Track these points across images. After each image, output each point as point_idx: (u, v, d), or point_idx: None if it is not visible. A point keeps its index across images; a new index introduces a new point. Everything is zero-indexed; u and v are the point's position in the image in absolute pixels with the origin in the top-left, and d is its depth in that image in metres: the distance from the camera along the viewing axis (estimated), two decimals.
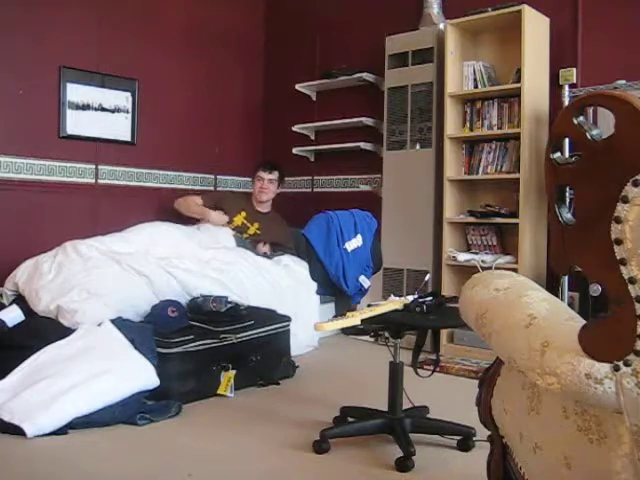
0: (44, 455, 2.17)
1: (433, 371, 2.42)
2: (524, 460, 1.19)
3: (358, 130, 4.79)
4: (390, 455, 2.18)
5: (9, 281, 3.32)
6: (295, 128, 5.16)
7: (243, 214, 4.46)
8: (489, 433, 1.37)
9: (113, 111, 4.48)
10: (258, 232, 4.44)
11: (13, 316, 3.05)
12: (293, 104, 5.26)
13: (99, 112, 4.40)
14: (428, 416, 2.51)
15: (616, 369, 0.92)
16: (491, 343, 1.19)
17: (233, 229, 4.36)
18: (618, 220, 0.90)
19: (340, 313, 2.25)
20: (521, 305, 1.13)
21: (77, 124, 4.28)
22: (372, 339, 3.19)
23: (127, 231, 3.74)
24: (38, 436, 2.29)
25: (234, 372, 2.94)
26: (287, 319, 3.37)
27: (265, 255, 4.10)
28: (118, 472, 2.07)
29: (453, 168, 4.03)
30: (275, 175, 4.57)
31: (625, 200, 0.89)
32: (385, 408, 2.35)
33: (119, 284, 3.13)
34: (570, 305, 3.47)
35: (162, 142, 4.79)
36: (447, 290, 3.85)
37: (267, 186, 4.53)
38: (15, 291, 3.30)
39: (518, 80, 3.72)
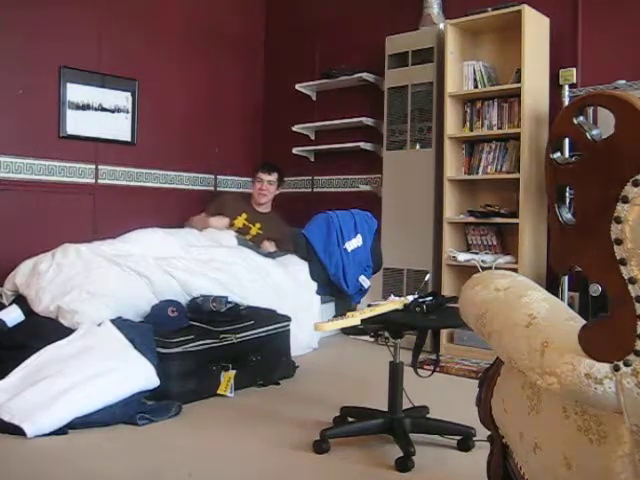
0: (44, 455, 2.17)
1: (433, 371, 2.42)
2: (524, 460, 1.19)
3: (358, 130, 4.79)
4: (390, 455, 2.18)
5: (9, 281, 3.32)
6: (295, 128, 5.16)
7: (244, 216, 4.48)
8: (489, 433, 1.37)
9: (113, 111, 4.48)
10: (260, 232, 4.46)
11: (13, 316, 3.05)
12: (293, 104, 5.26)
13: (99, 112, 4.40)
14: (428, 416, 2.51)
15: (616, 369, 0.92)
16: (491, 343, 1.19)
17: (236, 231, 4.37)
18: (618, 220, 0.90)
19: (340, 313, 2.25)
20: (521, 305, 1.13)
21: (77, 124, 4.28)
22: (372, 339, 3.19)
23: (123, 237, 3.73)
24: (38, 436, 2.29)
25: (234, 372, 2.95)
26: (287, 319, 3.37)
27: (269, 255, 4.09)
28: (118, 472, 2.07)
29: (453, 168, 4.03)
30: (274, 176, 4.61)
31: (625, 200, 0.89)
32: (385, 408, 2.35)
33: (119, 285, 3.13)
34: (570, 305, 3.47)
35: (162, 142, 4.79)
36: (447, 290, 3.85)
37: (266, 187, 4.58)
38: (15, 291, 3.30)
39: (518, 80, 3.72)
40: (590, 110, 3.16)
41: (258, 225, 4.47)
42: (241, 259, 3.78)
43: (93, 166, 4.40)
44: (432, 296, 2.37)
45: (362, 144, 4.69)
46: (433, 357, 2.63)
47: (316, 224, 2.44)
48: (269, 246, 4.36)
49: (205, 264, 3.53)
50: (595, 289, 3.21)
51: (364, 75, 4.65)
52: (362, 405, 2.53)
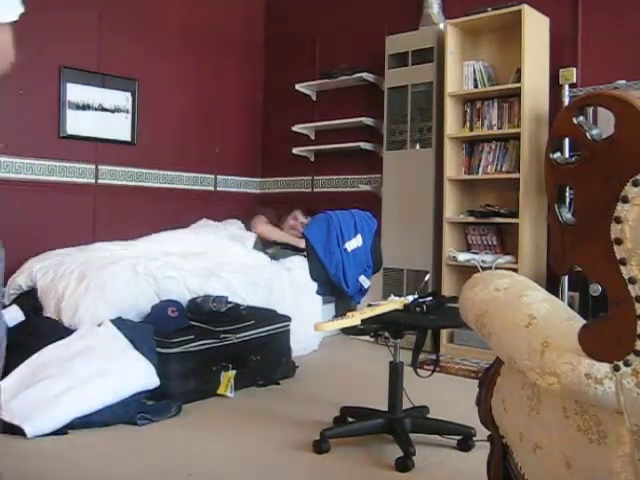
0: (44, 455, 2.17)
1: (433, 371, 2.42)
2: (524, 460, 1.19)
3: (358, 130, 4.79)
4: (390, 455, 2.18)
5: (12, 281, 3.32)
6: (295, 128, 5.15)
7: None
8: (489, 433, 1.37)
9: (113, 111, 4.48)
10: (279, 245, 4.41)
11: (13, 316, 3.05)
12: (293, 104, 5.26)
13: (99, 112, 4.40)
14: (428, 416, 2.51)
15: (616, 369, 0.92)
16: (491, 343, 1.19)
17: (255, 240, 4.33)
18: (618, 220, 0.90)
19: (340, 313, 2.25)
20: (521, 305, 1.13)
21: (77, 124, 4.28)
22: (372, 339, 3.19)
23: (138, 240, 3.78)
24: (38, 436, 2.29)
25: (234, 372, 2.95)
26: (287, 319, 3.37)
27: (272, 256, 4.07)
28: (118, 472, 2.07)
29: (453, 168, 4.03)
30: (309, 220, 4.58)
31: (625, 200, 0.89)
32: (385, 408, 2.35)
33: (124, 283, 3.11)
34: (570, 305, 3.47)
35: (162, 142, 4.79)
36: (447, 290, 3.85)
37: (299, 227, 4.48)
38: (17, 290, 3.30)
39: (518, 80, 3.72)
40: (590, 110, 3.16)
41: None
42: (243, 260, 3.78)
43: (93, 166, 4.40)
44: (432, 296, 2.37)
45: (362, 144, 4.69)
46: (433, 357, 2.63)
47: (316, 224, 2.44)
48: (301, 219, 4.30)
49: (207, 264, 3.53)
50: (595, 289, 3.21)
51: (364, 75, 4.65)
52: (362, 405, 2.53)
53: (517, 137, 3.73)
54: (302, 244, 4.29)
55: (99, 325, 2.83)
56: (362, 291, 2.51)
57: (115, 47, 4.48)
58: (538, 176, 3.71)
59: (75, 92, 4.27)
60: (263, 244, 4.23)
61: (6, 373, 2.55)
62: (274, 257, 4.07)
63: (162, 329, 2.87)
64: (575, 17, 3.85)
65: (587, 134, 0.97)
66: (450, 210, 3.99)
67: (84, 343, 2.72)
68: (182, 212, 4.68)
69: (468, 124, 4.02)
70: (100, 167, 4.43)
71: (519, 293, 1.19)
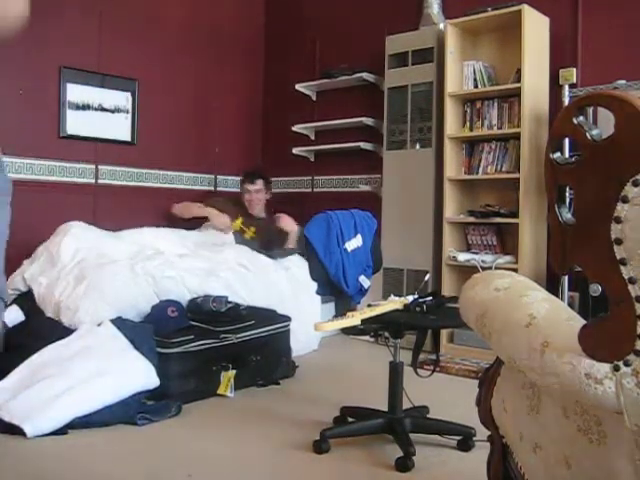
0: (44, 455, 2.17)
1: (433, 371, 2.42)
2: (524, 460, 1.19)
3: (358, 130, 4.79)
4: (390, 455, 2.18)
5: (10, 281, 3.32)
6: (295, 128, 5.15)
7: (240, 219, 4.44)
8: (489, 433, 1.37)
9: (113, 111, 4.48)
10: (254, 236, 4.42)
11: (13, 316, 3.05)
12: (293, 104, 5.26)
13: (99, 112, 4.40)
14: (428, 416, 2.51)
15: (616, 369, 0.92)
16: (491, 343, 1.19)
17: (232, 233, 4.36)
18: (618, 220, 0.90)
19: (340, 313, 2.25)
20: (521, 305, 1.13)
21: (77, 124, 4.28)
22: (372, 339, 3.19)
23: (127, 232, 3.75)
24: (38, 436, 2.29)
25: (234, 372, 2.95)
26: (287, 319, 3.37)
27: (269, 255, 4.07)
28: (118, 472, 2.07)
29: (453, 168, 4.03)
30: (260, 184, 4.58)
31: (625, 200, 0.89)
32: (385, 408, 2.35)
33: (123, 282, 3.11)
34: (570, 305, 3.47)
35: (162, 142, 4.79)
36: (447, 290, 3.85)
37: (254, 197, 4.56)
38: (16, 290, 3.29)
39: (518, 80, 3.72)
40: (590, 110, 3.16)
41: (253, 229, 4.45)
42: (243, 260, 3.78)
43: (93, 166, 4.40)
44: (432, 296, 2.37)
45: (362, 144, 4.69)
46: (433, 357, 2.63)
47: (316, 224, 2.44)
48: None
49: (208, 264, 3.53)
50: (595, 289, 3.19)
51: (364, 75, 4.65)
52: (362, 405, 2.53)
53: (517, 137, 3.73)
54: (218, 219, 4.34)
55: (99, 325, 2.83)
56: (362, 291, 2.51)
57: (115, 47, 4.47)
58: (538, 176, 3.70)
59: (75, 92, 4.27)
60: (242, 238, 4.25)
61: (6, 373, 2.55)
62: (272, 257, 4.07)
63: (162, 329, 2.87)
64: (575, 17, 3.85)
65: (587, 134, 0.97)
66: (450, 210, 3.99)
67: (84, 343, 2.72)
68: None
69: (468, 124, 4.02)
70: (100, 167, 4.43)
71: (519, 293, 1.19)
